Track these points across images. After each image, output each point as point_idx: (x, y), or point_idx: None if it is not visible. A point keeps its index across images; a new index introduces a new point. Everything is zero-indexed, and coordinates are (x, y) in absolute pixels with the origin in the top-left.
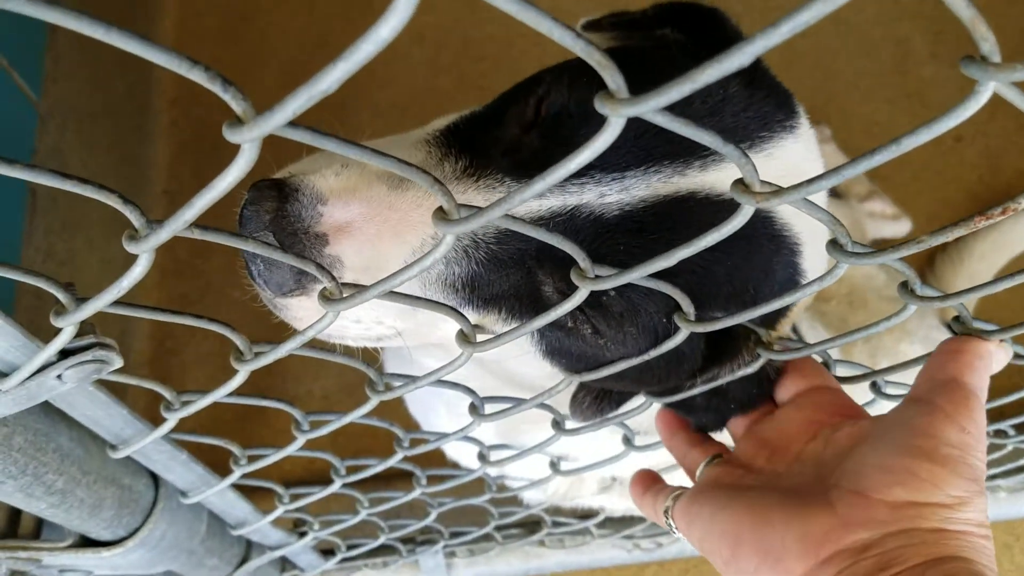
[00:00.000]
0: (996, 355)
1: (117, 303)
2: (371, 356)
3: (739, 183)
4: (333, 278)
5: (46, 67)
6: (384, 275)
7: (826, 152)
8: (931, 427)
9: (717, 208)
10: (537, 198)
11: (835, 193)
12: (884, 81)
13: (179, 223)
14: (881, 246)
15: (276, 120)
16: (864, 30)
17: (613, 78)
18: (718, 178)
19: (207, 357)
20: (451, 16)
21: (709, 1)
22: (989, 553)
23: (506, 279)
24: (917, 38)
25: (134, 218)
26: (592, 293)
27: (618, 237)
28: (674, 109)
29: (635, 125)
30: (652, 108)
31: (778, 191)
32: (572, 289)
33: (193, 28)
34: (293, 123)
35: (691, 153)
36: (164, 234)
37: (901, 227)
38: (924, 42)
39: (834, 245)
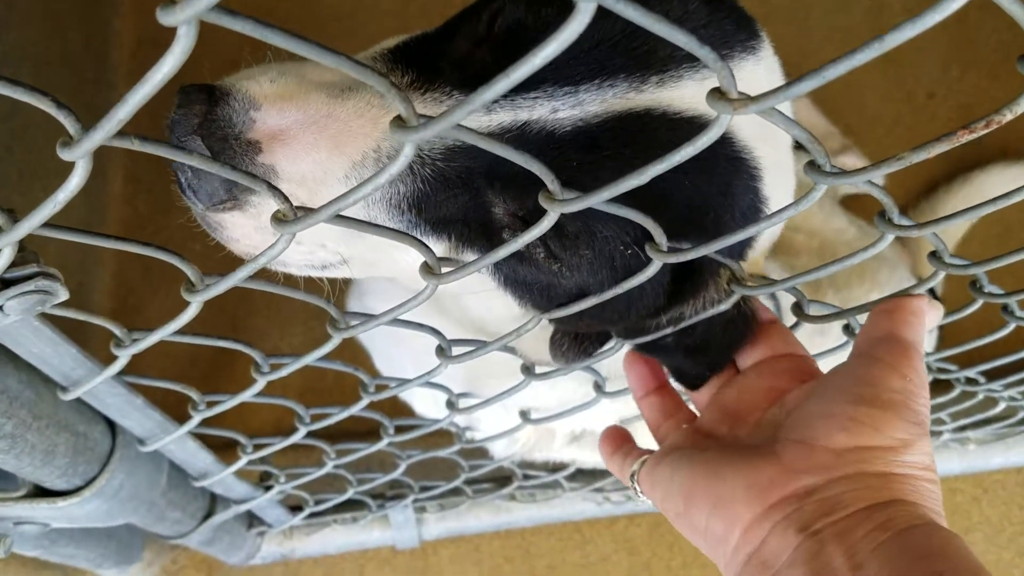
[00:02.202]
0: (929, 313)
1: (56, 226)
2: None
3: (715, 91)
4: (281, 195)
5: (1, 13)
6: (323, 188)
7: (800, 106)
8: (873, 376)
9: (674, 126)
10: (487, 113)
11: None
12: (858, 37)
13: (112, 123)
14: (851, 201)
15: None
16: None
17: None
18: (676, 95)
19: (172, 314)
20: None
21: None
22: (935, 496)
23: (454, 200)
24: None
25: (68, 124)
26: (544, 213)
27: (570, 153)
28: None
29: (589, 35)
30: None
31: (755, 97)
32: (524, 210)
33: None
34: (232, 12)
35: (647, 68)
36: (98, 137)
37: (849, 159)
38: None
39: (812, 166)
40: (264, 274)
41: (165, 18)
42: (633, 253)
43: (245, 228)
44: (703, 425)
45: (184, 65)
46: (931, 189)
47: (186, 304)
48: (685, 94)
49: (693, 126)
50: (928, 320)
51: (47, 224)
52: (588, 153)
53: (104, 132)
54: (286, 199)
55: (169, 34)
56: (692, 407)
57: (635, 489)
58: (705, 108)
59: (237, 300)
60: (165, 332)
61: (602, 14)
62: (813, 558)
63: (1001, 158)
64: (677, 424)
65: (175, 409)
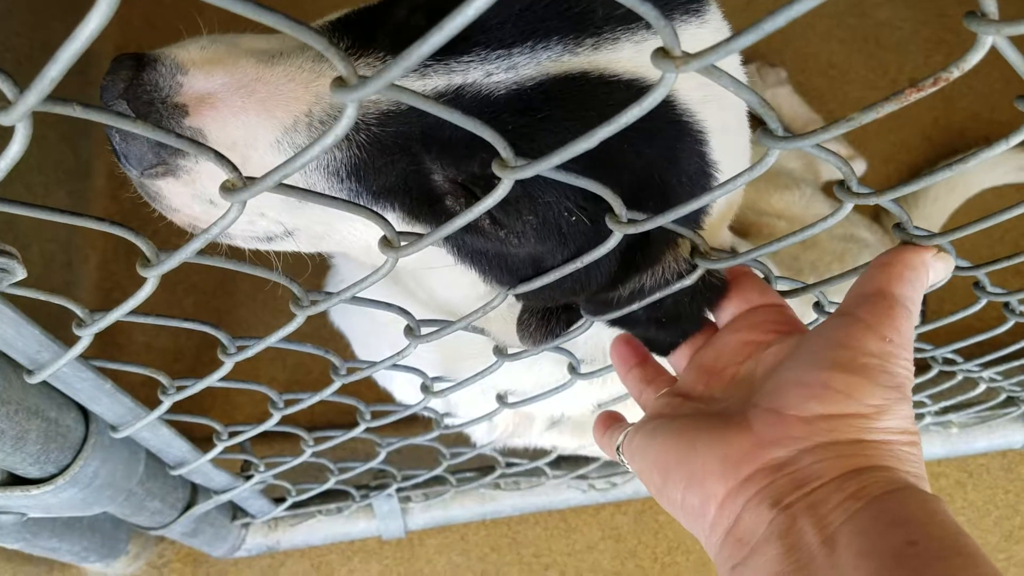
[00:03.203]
0: (933, 265)
1: (3, 200)
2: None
3: (659, 51)
4: (225, 160)
5: None
6: (255, 153)
7: (781, 94)
8: (849, 338)
9: (611, 89)
10: (421, 77)
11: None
12: (840, 23)
13: (45, 83)
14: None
15: None
16: None
17: None
18: (612, 58)
19: (157, 306)
20: None
21: None
22: (914, 459)
23: (392, 167)
24: None
25: (6, 88)
26: (485, 179)
27: (505, 117)
28: None
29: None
30: None
31: (698, 54)
32: (463, 175)
33: None
34: None
35: (582, 31)
36: (32, 98)
37: (856, 167)
38: None
39: (765, 131)
40: (209, 247)
41: None
42: (578, 219)
43: (183, 196)
44: (681, 387)
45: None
46: (914, 175)
47: (144, 281)
48: (622, 56)
49: (632, 88)
50: (934, 273)
51: None
52: (523, 116)
53: (38, 92)
54: (234, 168)
55: (155, 24)
56: (672, 371)
57: (621, 461)
58: (642, 71)
59: (222, 293)
60: (124, 310)
61: None
62: (786, 533)
63: (982, 144)
64: (657, 389)
65: (152, 401)
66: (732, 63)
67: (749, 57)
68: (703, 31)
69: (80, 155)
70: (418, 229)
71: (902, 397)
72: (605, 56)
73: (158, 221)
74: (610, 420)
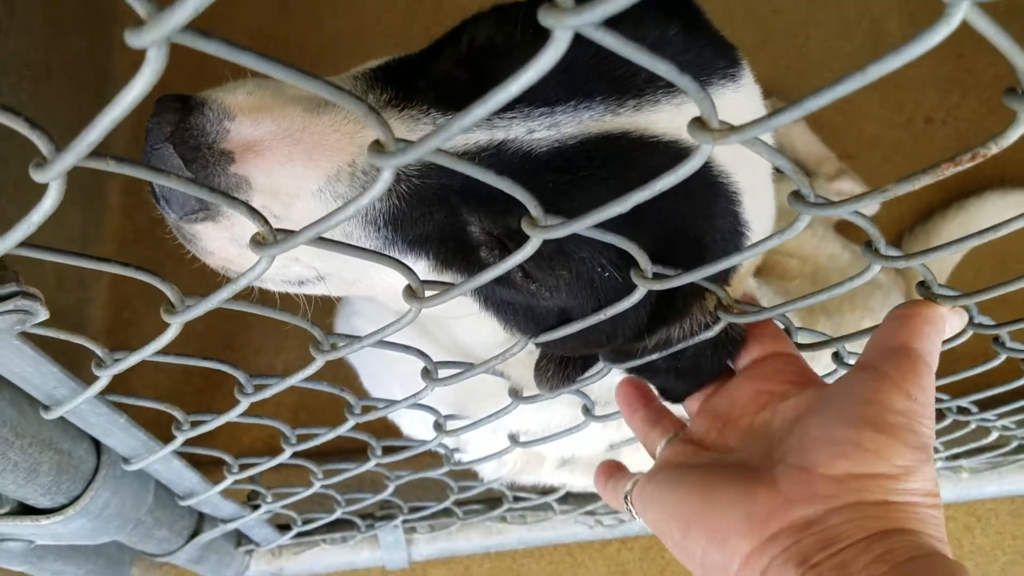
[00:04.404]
0: (949, 320)
1: (32, 246)
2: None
3: (696, 121)
4: (261, 217)
5: (2, 22)
6: (297, 201)
7: (796, 131)
8: (876, 394)
9: (652, 149)
10: (463, 132)
11: (804, 172)
12: (857, 62)
13: (83, 145)
14: (848, 227)
15: (179, 17)
16: (838, 9)
17: None
18: (653, 119)
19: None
20: None
21: None
22: (936, 522)
23: (430, 217)
24: (891, 18)
25: (41, 144)
26: (521, 233)
27: (546, 174)
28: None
29: (566, 56)
30: (600, 17)
31: (736, 128)
32: (499, 228)
33: None
34: (205, 33)
35: (624, 92)
36: (70, 159)
37: (870, 206)
38: (899, 23)
39: (796, 196)
40: (241, 291)
41: (133, 40)
42: (611, 275)
43: (219, 240)
44: (692, 434)
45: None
46: (927, 215)
47: (167, 324)
48: (662, 118)
49: (670, 150)
50: (949, 328)
51: (24, 244)
52: (564, 174)
53: (75, 154)
54: (266, 222)
55: (171, 45)
56: (680, 412)
57: (630, 511)
58: (682, 133)
59: (232, 315)
60: (145, 353)
61: (579, 37)
62: None
63: (997, 185)
64: (663, 432)
65: (163, 426)
66: (755, 103)
67: (765, 94)
68: (739, 95)
69: (94, 173)
70: (448, 277)
71: (927, 458)
72: (646, 117)
73: (171, 241)
74: (613, 469)
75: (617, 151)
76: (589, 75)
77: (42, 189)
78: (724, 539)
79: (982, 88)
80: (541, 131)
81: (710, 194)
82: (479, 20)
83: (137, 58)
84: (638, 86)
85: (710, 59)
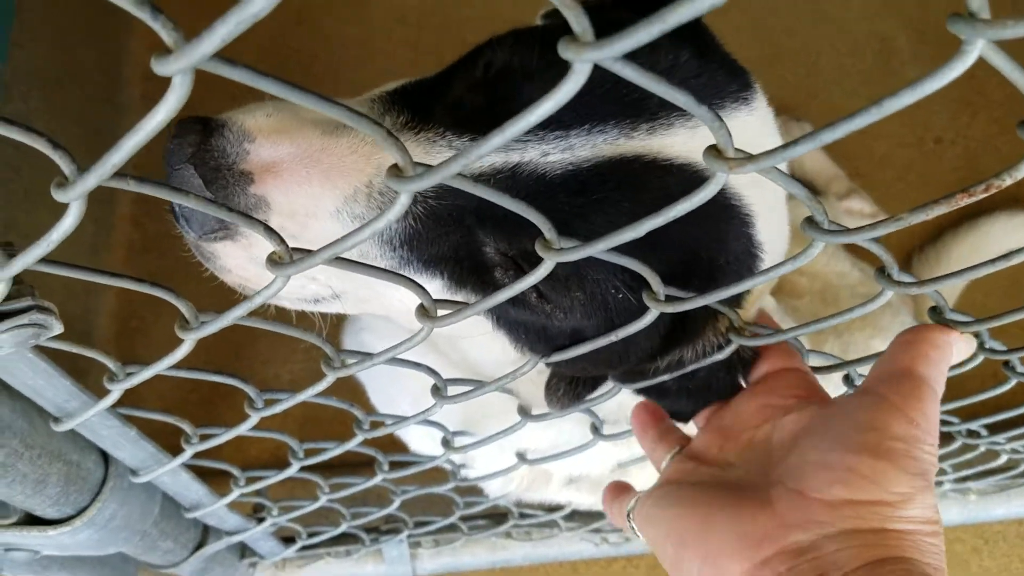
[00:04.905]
0: (956, 345)
1: (52, 262)
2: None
3: (712, 149)
4: (278, 237)
5: (13, 32)
6: (314, 221)
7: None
8: (876, 420)
9: (665, 172)
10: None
11: (813, 190)
12: (867, 80)
13: (106, 168)
14: (858, 246)
15: (206, 47)
16: (849, 27)
17: (578, 20)
18: (666, 143)
19: (174, 337)
20: None
21: None
22: (936, 551)
23: (445, 238)
24: (901, 37)
25: (64, 164)
26: (535, 255)
27: (560, 197)
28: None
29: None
30: (619, 52)
31: (752, 157)
32: (514, 250)
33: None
34: (230, 60)
35: (637, 116)
36: (92, 180)
37: None
38: (908, 41)
39: (810, 223)
40: (256, 309)
41: (160, 68)
42: (624, 296)
43: (238, 259)
44: (695, 450)
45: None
46: (938, 234)
47: (176, 332)
48: (675, 141)
49: (684, 173)
50: (956, 353)
51: (42, 260)
52: (578, 197)
53: (98, 176)
54: (282, 241)
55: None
56: (688, 428)
57: (632, 528)
58: (695, 156)
59: (241, 326)
60: (158, 368)
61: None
62: None
63: (1008, 204)
64: (669, 446)
65: (170, 435)
66: (768, 126)
67: (775, 112)
68: (751, 118)
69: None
70: (462, 297)
71: (927, 485)
72: (659, 141)
73: (180, 249)
74: (619, 489)
75: (631, 174)
76: (603, 99)
77: (51, 199)
78: (717, 560)
79: (992, 108)
80: (555, 154)
81: (723, 217)
82: (496, 44)
83: (147, 69)
84: (651, 110)
85: (723, 83)
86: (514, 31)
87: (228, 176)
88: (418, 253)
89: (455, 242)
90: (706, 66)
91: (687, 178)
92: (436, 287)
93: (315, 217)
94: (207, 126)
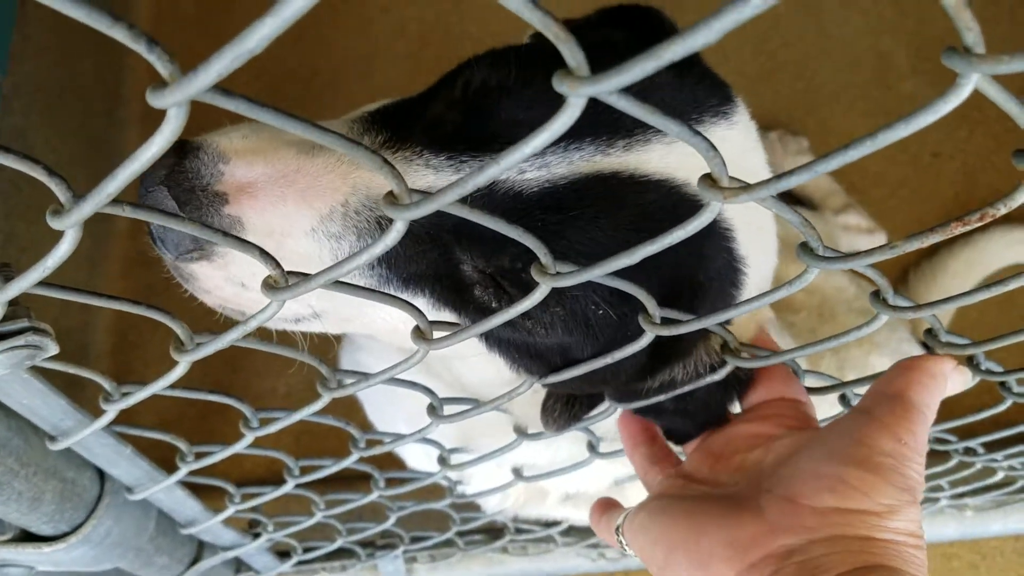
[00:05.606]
0: (952, 378)
1: (48, 284)
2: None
3: (706, 178)
4: (273, 260)
5: (14, 45)
6: (290, 240)
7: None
8: (866, 436)
9: (642, 188)
10: (455, 172)
11: (810, 204)
12: (865, 95)
13: (101, 196)
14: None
15: (202, 81)
16: (847, 42)
17: (573, 54)
18: (643, 159)
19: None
20: (434, 11)
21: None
22: (919, 563)
23: (423, 256)
24: (900, 53)
25: (60, 192)
26: (514, 272)
27: (536, 214)
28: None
29: (554, 101)
30: (614, 87)
31: (748, 187)
32: (491, 267)
33: (170, 15)
34: (226, 91)
35: (614, 133)
36: (87, 208)
37: (876, 241)
38: (906, 57)
39: (805, 248)
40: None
41: (155, 100)
42: (605, 312)
43: (216, 279)
44: (685, 469)
45: None
46: (933, 249)
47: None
48: (652, 157)
49: (661, 189)
50: (952, 385)
51: (39, 283)
52: (554, 214)
53: (93, 204)
54: (278, 265)
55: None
56: (679, 452)
57: (621, 543)
58: (672, 171)
59: None
60: (153, 389)
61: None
62: None
63: (1004, 220)
64: (663, 470)
65: (165, 450)
66: (749, 140)
67: (771, 125)
68: (731, 132)
69: None
70: (446, 315)
71: (912, 501)
72: (636, 157)
73: (162, 271)
74: (607, 504)
75: (608, 191)
76: (580, 117)
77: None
78: (706, 563)
79: (990, 123)
80: (532, 172)
81: (700, 233)
82: (474, 64)
83: (147, 85)
84: (627, 127)
85: (703, 98)
86: (492, 51)
87: (202, 197)
88: (396, 271)
89: (433, 260)
90: (685, 83)
91: (664, 194)
92: (420, 305)
93: (290, 236)
94: (183, 148)
